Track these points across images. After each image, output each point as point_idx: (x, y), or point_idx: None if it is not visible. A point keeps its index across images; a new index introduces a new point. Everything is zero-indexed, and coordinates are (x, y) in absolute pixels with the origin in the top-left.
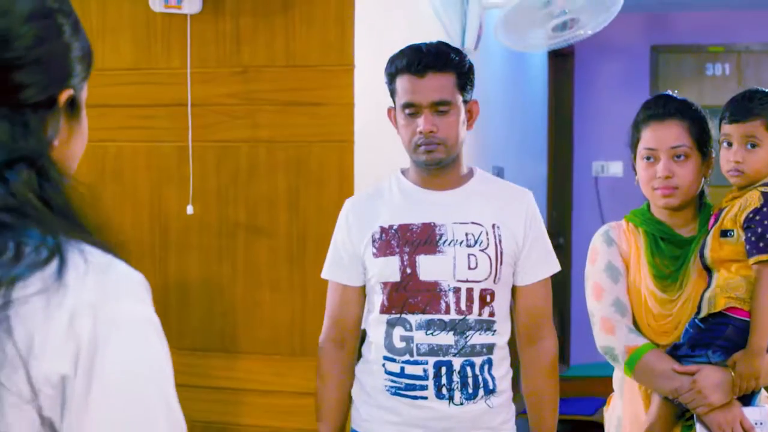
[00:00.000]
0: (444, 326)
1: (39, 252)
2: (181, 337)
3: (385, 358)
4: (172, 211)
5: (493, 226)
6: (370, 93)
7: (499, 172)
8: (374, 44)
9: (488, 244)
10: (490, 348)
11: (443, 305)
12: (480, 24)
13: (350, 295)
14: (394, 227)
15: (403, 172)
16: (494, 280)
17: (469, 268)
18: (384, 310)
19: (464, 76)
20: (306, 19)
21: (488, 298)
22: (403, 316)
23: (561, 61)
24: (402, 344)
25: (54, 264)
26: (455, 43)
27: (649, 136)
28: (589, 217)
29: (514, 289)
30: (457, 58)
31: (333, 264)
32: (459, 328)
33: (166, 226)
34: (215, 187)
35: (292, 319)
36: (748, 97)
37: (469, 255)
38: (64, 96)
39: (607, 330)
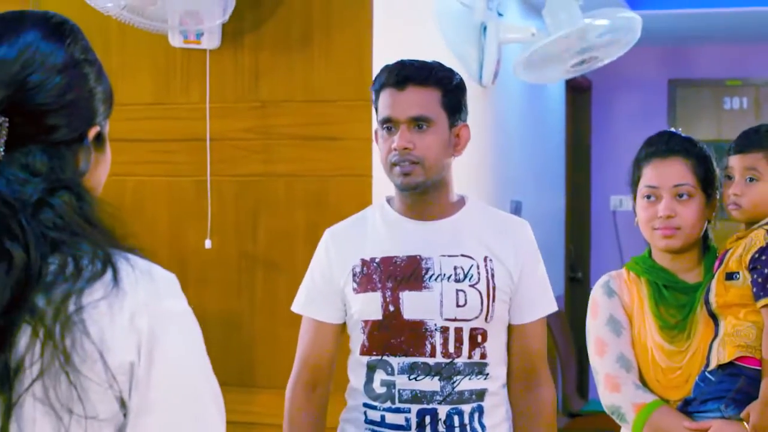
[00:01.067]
0: (428, 370)
1: (95, 264)
2: None
3: (365, 404)
4: (190, 246)
5: (485, 259)
6: None
7: (517, 206)
8: None
9: (479, 279)
10: (480, 394)
11: (428, 347)
12: (497, 59)
13: (326, 334)
14: (377, 260)
15: (389, 200)
16: (486, 319)
17: (458, 305)
18: (364, 351)
19: (451, 94)
20: (324, 54)
21: (479, 339)
22: (384, 358)
23: (579, 95)
24: (383, 389)
25: (109, 273)
26: (473, 77)
27: (650, 174)
28: (607, 251)
29: (508, 329)
30: (442, 74)
31: (308, 298)
32: (445, 372)
33: (184, 261)
34: (234, 221)
35: None
36: (754, 129)
37: (457, 291)
38: (92, 133)
39: (613, 388)
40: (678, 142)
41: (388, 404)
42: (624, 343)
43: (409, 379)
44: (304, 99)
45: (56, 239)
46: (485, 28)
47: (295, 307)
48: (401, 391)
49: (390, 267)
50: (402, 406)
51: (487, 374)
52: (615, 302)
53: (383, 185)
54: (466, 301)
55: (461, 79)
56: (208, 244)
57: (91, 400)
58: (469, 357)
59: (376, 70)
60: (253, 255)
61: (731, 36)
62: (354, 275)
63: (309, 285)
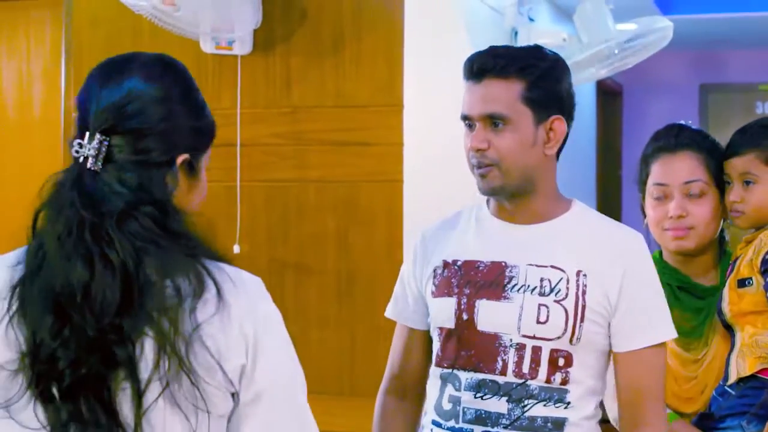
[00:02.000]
0: (497, 389)
1: (195, 279)
2: None
3: (434, 422)
4: (220, 251)
5: (578, 273)
6: (419, 133)
7: None
8: (423, 84)
9: (567, 295)
10: (558, 424)
11: (499, 364)
12: None
13: (415, 341)
14: (459, 263)
15: (489, 199)
16: (570, 340)
17: (538, 321)
18: (438, 361)
19: (537, 86)
20: (355, 59)
21: (561, 362)
22: (455, 371)
23: (610, 99)
24: (449, 406)
25: (212, 288)
26: None
27: (658, 171)
28: None
29: (613, 358)
30: (527, 62)
31: (395, 302)
32: (515, 394)
33: None
34: (264, 226)
35: (340, 358)
36: (741, 130)
37: (539, 305)
38: (180, 159)
39: None
40: (687, 135)
41: (452, 423)
42: None
43: (475, 397)
44: (335, 104)
45: (141, 248)
46: (516, 33)
47: (387, 312)
48: (466, 410)
49: (471, 271)
50: (465, 426)
51: (569, 403)
52: None
53: (414, 190)
54: (548, 317)
55: (557, 65)
56: (237, 249)
57: (211, 401)
58: (547, 381)
59: (406, 75)
60: (284, 260)
61: (763, 40)
62: (434, 277)
63: (397, 289)
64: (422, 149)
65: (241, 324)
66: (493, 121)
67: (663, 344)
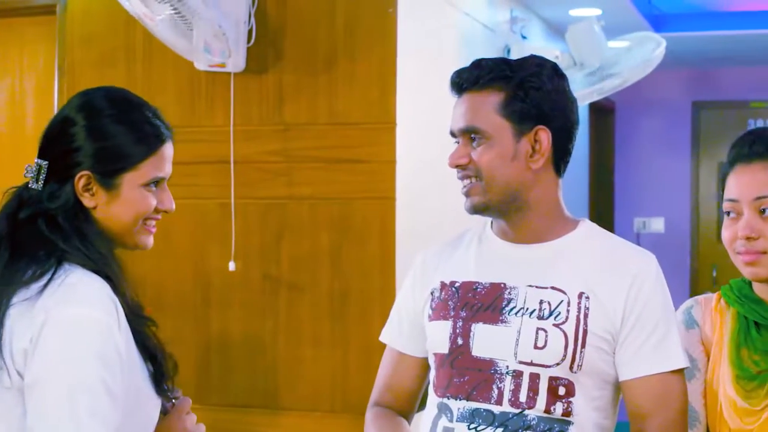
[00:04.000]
0: (491, 420)
1: (38, 271)
2: (224, 393)
3: None
4: (214, 268)
5: (581, 295)
6: (412, 150)
7: None
8: (416, 102)
9: (567, 318)
10: None
11: (495, 392)
12: None
13: (408, 367)
14: (457, 284)
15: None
16: (571, 367)
17: (536, 346)
18: (434, 389)
19: (517, 97)
20: (348, 77)
21: (562, 391)
22: (446, 401)
23: (602, 116)
24: None
25: (44, 280)
26: None
27: (731, 184)
28: None
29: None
30: (504, 73)
31: (390, 325)
32: (512, 425)
33: (208, 283)
34: (258, 243)
35: (333, 375)
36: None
37: (537, 329)
38: (77, 177)
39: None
40: (765, 143)
41: None
42: (694, 390)
43: (469, 429)
44: (328, 122)
45: (20, 241)
46: (509, 51)
47: (381, 335)
48: None
49: (469, 294)
50: None
51: None
52: (694, 335)
53: (407, 208)
54: (546, 342)
55: (540, 72)
56: (232, 266)
57: (10, 373)
58: (547, 411)
59: (399, 93)
60: (277, 277)
61: (755, 58)
62: (432, 300)
63: (393, 311)
64: (415, 167)
65: (39, 314)
66: (471, 135)
67: (676, 374)
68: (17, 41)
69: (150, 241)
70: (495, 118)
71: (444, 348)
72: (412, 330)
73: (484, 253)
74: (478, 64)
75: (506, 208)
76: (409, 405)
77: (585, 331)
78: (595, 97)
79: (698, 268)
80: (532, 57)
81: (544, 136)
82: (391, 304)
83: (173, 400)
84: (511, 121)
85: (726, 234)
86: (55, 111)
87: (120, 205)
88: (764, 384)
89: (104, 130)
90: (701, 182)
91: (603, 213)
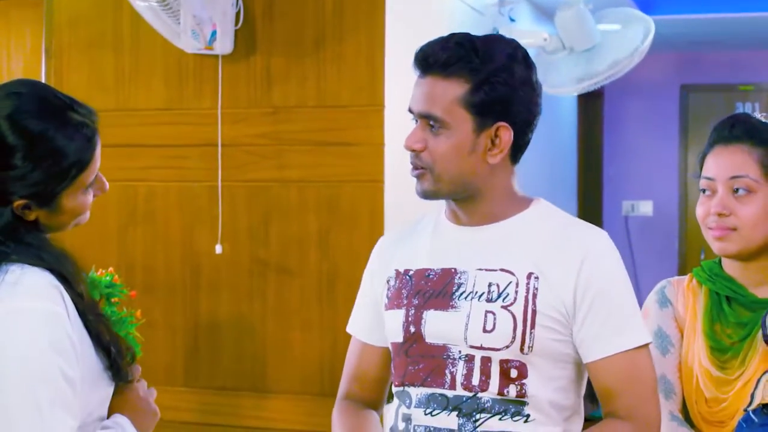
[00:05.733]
0: (446, 404)
1: None
2: (212, 377)
3: None
4: (203, 251)
5: (529, 275)
6: (401, 133)
7: None
8: (405, 84)
9: (515, 300)
10: None
11: (448, 377)
12: None
13: (372, 357)
14: (410, 272)
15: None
16: (521, 349)
17: (485, 330)
18: (393, 378)
19: (482, 90)
20: (337, 59)
21: (513, 373)
22: (406, 388)
23: (590, 100)
24: (402, 426)
25: None
26: None
27: (708, 164)
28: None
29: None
30: (474, 62)
31: (354, 315)
32: (465, 408)
33: (197, 266)
34: (246, 226)
35: (321, 359)
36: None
37: (486, 313)
38: (16, 203)
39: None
40: (743, 127)
41: None
42: (669, 363)
43: (425, 414)
44: (317, 104)
45: None
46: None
47: (348, 326)
48: (416, 428)
49: (422, 281)
50: None
51: (528, 416)
52: (667, 313)
53: (396, 191)
54: (494, 325)
55: (510, 65)
56: (218, 249)
57: None
58: (500, 393)
59: (388, 75)
60: (265, 260)
61: (743, 41)
62: (388, 289)
63: (356, 301)
64: (403, 150)
65: None
66: (430, 122)
67: (641, 350)
68: (4, 24)
69: (87, 216)
70: (456, 109)
71: (399, 337)
72: (373, 319)
73: (437, 239)
74: (445, 44)
75: (457, 196)
76: (377, 395)
77: (534, 312)
78: (586, 89)
79: (686, 251)
80: (503, 45)
81: (506, 133)
82: None
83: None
84: (472, 114)
85: (700, 210)
86: None
87: (61, 215)
88: (737, 354)
89: (41, 155)
90: (689, 165)
91: (591, 196)
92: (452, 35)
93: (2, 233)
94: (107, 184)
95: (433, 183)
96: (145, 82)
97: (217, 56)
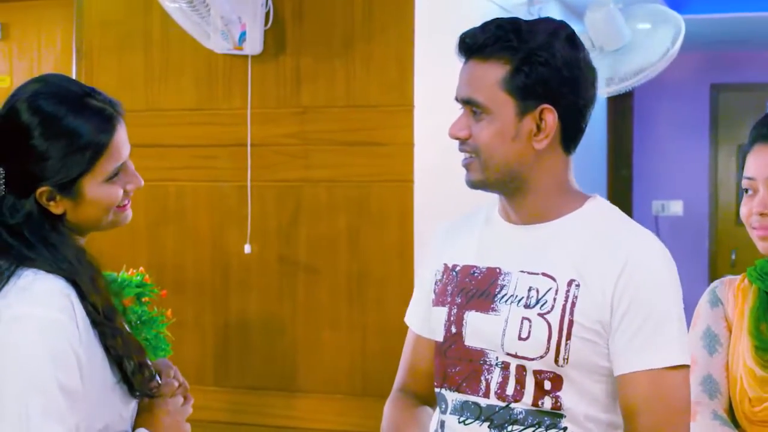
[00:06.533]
0: (478, 413)
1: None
2: (241, 376)
3: None
4: (232, 251)
5: (570, 282)
6: (430, 132)
7: None
8: (434, 84)
9: (553, 308)
10: None
11: (483, 384)
12: None
13: (424, 349)
14: (457, 268)
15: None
16: (556, 360)
17: (520, 337)
18: (434, 378)
19: (524, 71)
20: (366, 59)
21: (547, 385)
22: (443, 391)
23: (620, 100)
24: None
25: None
26: None
27: (750, 163)
28: None
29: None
30: (515, 42)
31: (411, 304)
32: (497, 419)
33: (226, 265)
34: (275, 226)
35: (352, 358)
36: None
37: (523, 319)
38: (38, 191)
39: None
40: None
41: None
42: (716, 363)
43: (459, 422)
44: (346, 104)
45: None
46: None
47: (406, 317)
48: None
49: (466, 278)
50: None
51: (564, 429)
52: (718, 313)
53: (425, 190)
54: (529, 333)
55: (553, 43)
56: (247, 249)
57: None
58: (535, 404)
59: (417, 75)
60: (294, 260)
61: None
62: (436, 283)
63: (414, 290)
64: (433, 149)
65: None
66: (472, 108)
67: (672, 371)
68: (35, 23)
69: (128, 216)
70: (497, 93)
71: (440, 336)
72: (426, 311)
73: (486, 235)
74: (485, 27)
75: (505, 187)
76: (430, 389)
77: (571, 322)
78: (615, 92)
79: (717, 251)
80: (546, 23)
81: (550, 116)
82: (410, 287)
83: (159, 385)
84: (514, 98)
85: (743, 210)
86: None
87: (87, 206)
88: None
89: (56, 134)
90: (720, 165)
91: (621, 196)
92: (495, 18)
93: (25, 227)
94: (141, 179)
95: (480, 171)
96: (175, 83)
97: (246, 56)
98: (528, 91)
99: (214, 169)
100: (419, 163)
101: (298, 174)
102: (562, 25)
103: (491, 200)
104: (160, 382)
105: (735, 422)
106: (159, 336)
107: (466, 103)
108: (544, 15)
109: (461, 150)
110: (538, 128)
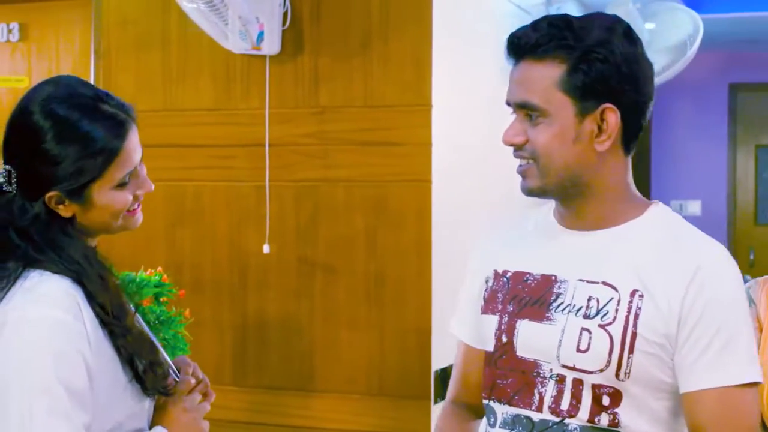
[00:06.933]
0: (530, 428)
1: (6, 279)
2: (259, 376)
3: None
4: (251, 251)
5: (633, 293)
6: (448, 132)
7: None
8: (452, 84)
9: (615, 319)
10: None
11: (536, 397)
12: None
13: (473, 359)
14: (509, 274)
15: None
16: (617, 375)
17: (578, 349)
18: (482, 388)
19: (582, 69)
20: (383, 59)
21: (605, 401)
22: (491, 403)
23: None
24: None
25: (7, 286)
26: None
27: None
28: None
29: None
30: (571, 39)
31: (456, 314)
32: None
33: (244, 265)
34: (293, 226)
35: (369, 358)
36: None
37: (582, 330)
38: (47, 196)
39: None
40: None
41: None
42: None
43: None
44: (364, 104)
45: None
46: None
47: (451, 326)
48: None
49: (519, 285)
50: None
51: None
52: (750, 313)
53: (443, 191)
54: (589, 345)
55: (610, 39)
56: (266, 249)
57: None
58: (591, 421)
59: (435, 74)
60: (313, 260)
61: None
62: (485, 290)
63: (459, 298)
64: (451, 149)
65: (0, 312)
66: (528, 112)
67: (743, 389)
68: (53, 24)
69: (138, 220)
70: (555, 94)
71: (490, 345)
72: (471, 320)
73: (540, 241)
74: (536, 26)
75: (565, 193)
76: (482, 400)
77: (634, 335)
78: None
79: (735, 251)
80: (600, 18)
81: (612, 116)
82: (427, 288)
83: (176, 382)
84: (573, 98)
85: None
86: None
87: (96, 211)
88: None
89: (68, 139)
90: (738, 165)
91: None
92: (546, 16)
93: (32, 229)
94: (151, 184)
95: (539, 178)
96: (193, 83)
97: (264, 56)
98: (587, 90)
99: (232, 169)
100: (437, 163)
101: (316, 174)
102: (617, 20)
103: (531, 203)
104: (177, 379)
105: (762, 423)
106: (177, 336)
107: (521, 107)
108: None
109: (517, 156)
110: (599, 129)
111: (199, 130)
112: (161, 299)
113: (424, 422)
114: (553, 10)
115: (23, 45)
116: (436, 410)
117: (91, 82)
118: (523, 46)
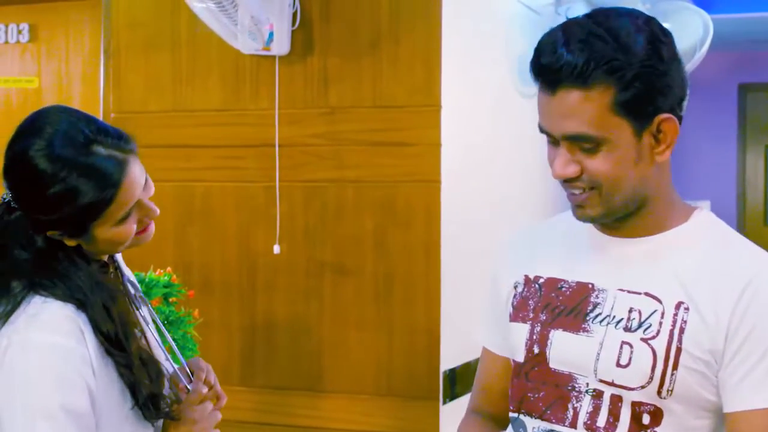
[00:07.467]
0: None
1: (8, 303)
2: (268, 376)
3: None
4: (259, 251)
5: (678, 305)
6: (458, 133)
7: None
8: (462, 84)
9: (658, 332)
10: None
11: (570, 413)
12: None
13: (496, 366)
14: (541, 280)
15: None
16: (659, 392)
17: (618, 364)
18: (509, 399)
19: (633, 87)
20: (393, 59)
21: (646, 419)
22: (521, 416)
23: None
24: None
25: (10, 309)
26: None
27: None
28: None
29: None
30: (618, 56)
31: (483, 320)
32: None
33: (253, 266)
34: (302, 226)
35: (378, 358)
36: None
37: (622, 343)
38: (49, 233)
39: None
40: None
41: None
42: None
43: None
44: (373, 105)
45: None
46: None
47: (475, 332)
48: None
49: (552, 293)
50: None
51: None
52: None
53: (453, 191)
54: (630, 360)
55: (654, 44)
56: (276, 249)
57: None
58: None
59: (444, 75)
60: (322, 261)
61: None
62: (514, 295)
63: (482, 304)
64: (460, 150)
65: (2, 341)
66: (580, 143)
67: None
68: (63, 26)
69: (148, 236)
70: (610, 119)
71: (520, 356)
72: (495, 326)
73: (575, 245)
74: (569, 46)
75: (626, 212)
76: (505, 410)
77: (679, 350)
78: None
79: None
80: (631, 21)
81: (670, 124)
82: (436, 288)
83: (187, 390)
84: (629, 119)
85: None
86: (101, 96)
87: (100, 243)
88: None
89: (66, 195)
90: (748, 165)
91: None
92: (565, 30)
93: (38, 257)
94: (156, 209)
95: (602, 206)
96: (202, 83)
97: (274, 57)
98: (642, 106)
99: (242, 169)
100: (446, 164)
101: (326, 174)
102: (647, 18)
103: (546, 205)
104: (189, 388)
105: None
106: (186, 336)
107: (574, 140)
108: (572, 15)
109: (571, 187)
110: (656, 139)
111: (208, 130)
112: (170, 299)
113: (432, 423)
114: (563, 11)
115: (33, 46)
116: (445, 411)
117: (101, 83)
118: (565, 72)
